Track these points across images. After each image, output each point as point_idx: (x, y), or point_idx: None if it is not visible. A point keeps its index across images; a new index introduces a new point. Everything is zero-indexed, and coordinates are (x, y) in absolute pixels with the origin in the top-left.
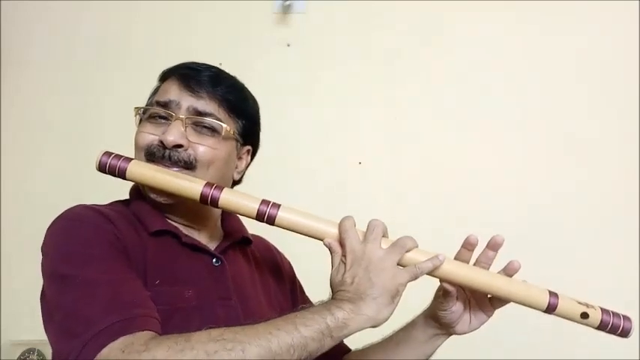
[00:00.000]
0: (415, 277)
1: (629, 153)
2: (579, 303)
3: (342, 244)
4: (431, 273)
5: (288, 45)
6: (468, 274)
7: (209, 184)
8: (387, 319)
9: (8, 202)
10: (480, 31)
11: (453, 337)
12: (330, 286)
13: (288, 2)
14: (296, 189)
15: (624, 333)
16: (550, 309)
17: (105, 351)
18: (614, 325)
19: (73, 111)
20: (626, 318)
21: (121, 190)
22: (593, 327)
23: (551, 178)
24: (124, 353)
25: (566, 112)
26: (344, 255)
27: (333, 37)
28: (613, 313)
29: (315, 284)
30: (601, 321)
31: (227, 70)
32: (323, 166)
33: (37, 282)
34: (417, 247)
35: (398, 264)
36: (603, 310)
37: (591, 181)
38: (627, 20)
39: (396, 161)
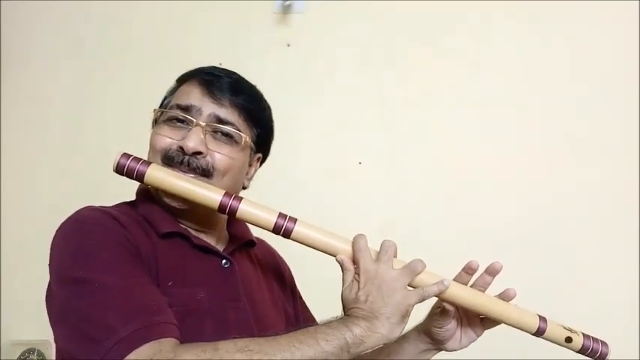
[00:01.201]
0: (422, 300)
1: (629, 153)
2: (564, 328)
3: (355, 262)
4: (436, 295)
5: (288, 45)
6: (468, 296)
7: (228, 194)
8: (397, 338)
9: (8, 202)
10: (479, 31)
11: None
12: (343, 302)
13: (288, 2)
14: (296, 189)
15: (602, 357)
16: (539, 332)
17: (131, 357)
18: (593, 350)
19: (73, 111)
20: (604, 344)
21: (121, 190)
22: (575, 350)
23: (551, 178)
24: None
25: (566, 112)
26: (357, 273)
27: (333, 37)
28: (593, 339)
29: (316, 289)
30: (582, 345)
31: None
32: (323, 166)
33: (37, 282)
34: (425, 269)
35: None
36: (585, 336)
37: (591, 181)
38: (627, 20)
39: (396, 161)
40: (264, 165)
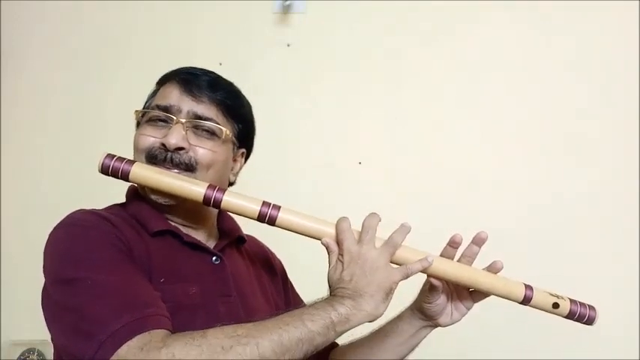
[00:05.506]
0: (406, 277)
1: (629, 153)
2: (551, 294)
3: (338, 244)
4: (421, 271)
5: (288, 45)
6: (454, 270)
7: (212, 187)
8: (382, 314)
9: (8, 202)
10: (479, 31)
11: (457, 338)
12: (328, 282)
13: (288, 2)
14: (296, 189)
15: (589, 321)
16: (526, 300)
17: (123, 350)
18: (580, 314)
19: (74, 111)
20: (592, 308)
21: (121, 190)
22: (563, 316)
23: (551, 178)
24: (143, 351)
25: (566, 112)
26: (341, 254)
27: (333, 37)
28: (580, 304)
29: (308, 281)
30: (570, 310)
31: (227, 70)
32: (323, 166)
33: (37, 282)
34: (406, 236)
35: (391, 261)
36: (572, 301)
37: (591, 181)
38: (627, 20)
39: (396, 161)
40: (262, 164)
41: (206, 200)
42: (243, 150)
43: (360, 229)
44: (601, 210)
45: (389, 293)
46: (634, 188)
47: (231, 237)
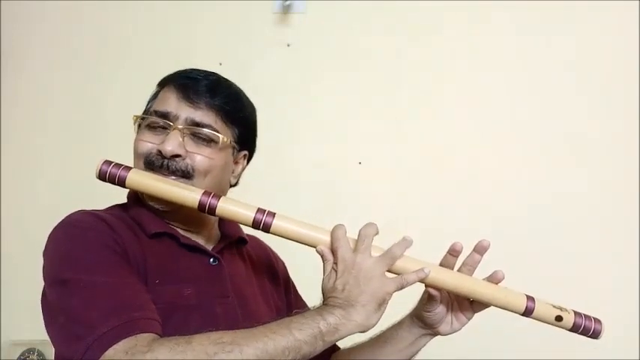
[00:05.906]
0: (401, 288)
1: (629, 153)
2: (554, 307)
3: (333, 252)
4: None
5: (288, 45)
6: (453, 280)
7: (207, 193)
8: (374, 325)
9: (8, 202)
10: (480, 30)
11: (457, 337)
12: (322, 291)
13: (288, 2)
14: (296, 189)
15: (595, 334)
16: (527, 312)
17: (109, 353)
18: (585, 327)
19: (74, 112)
20: (597, 320)
21: (121, 193)
22: (567, 329)
23: (551, 178)
24: (128, 355)
25: (566, 112)
26: (335, 263)
27: (333, 37)
28: (585, 316)
29: (309, 284)
30: (574, 323)
31: (227, 70)
32: (323, 166)
33: (37, 282)
34: (405, 250)
35: (389, 271)
36: (576, 313)
37: (591, 181)
38: (627, 20)
39: (396, 161)
40: (262, 165)
41: (201, 207)
42: (245, 152)
43: (355, 237)
44: (601, 210)
45: (382, 304)
46: (634, 188)
47: (231, 238)
